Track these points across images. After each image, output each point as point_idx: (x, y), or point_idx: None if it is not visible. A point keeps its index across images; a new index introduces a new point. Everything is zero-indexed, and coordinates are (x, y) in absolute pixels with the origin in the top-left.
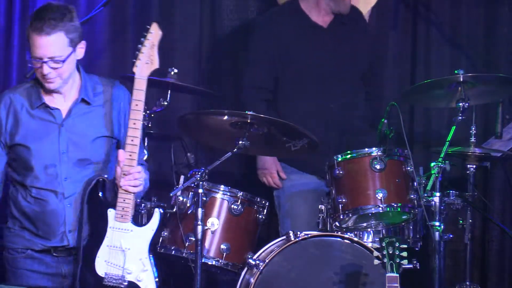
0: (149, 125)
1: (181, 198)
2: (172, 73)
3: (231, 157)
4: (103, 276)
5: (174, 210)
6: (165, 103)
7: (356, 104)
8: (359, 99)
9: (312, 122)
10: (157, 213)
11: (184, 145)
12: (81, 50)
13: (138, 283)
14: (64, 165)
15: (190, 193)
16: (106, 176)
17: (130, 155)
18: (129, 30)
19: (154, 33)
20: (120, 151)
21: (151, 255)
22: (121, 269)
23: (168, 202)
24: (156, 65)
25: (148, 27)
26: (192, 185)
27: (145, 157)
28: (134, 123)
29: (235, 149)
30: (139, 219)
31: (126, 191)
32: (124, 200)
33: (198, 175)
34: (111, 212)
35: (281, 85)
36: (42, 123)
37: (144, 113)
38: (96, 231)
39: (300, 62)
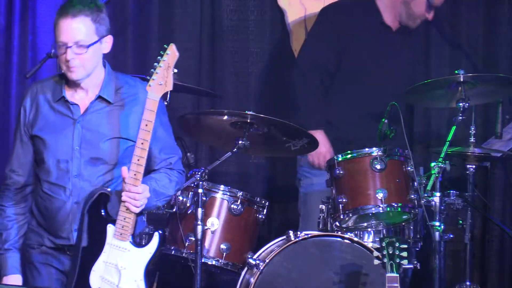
0: None
1: (181, 198)
2: (172, 73)
3: (231, 157)
4: None
5: (174, 210)
6: (165, 103)
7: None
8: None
9: (351, 116)
10: (156, 237)
11: (184, 145)
12: (107, 45)
13: None
14: (76, 162)
15: (190, 193)
16: (109, 189)
17: (135, 175)
18: (129, 30)
19: (171, 54)
20: (124, 168)
21: (146, 278)
22: (115, 287)
23: (168, 202)
24: (169, 87)
25: (166, 46)
26: (192, 185)
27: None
28: (142, 143)
29: (235, 149)
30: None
31: (127, 209)
32: (124, 219)
33: (198, 175)
34: (110, 228)
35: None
36: (60, 117)
37: None
38: (94, 245)
39: (359, 56)
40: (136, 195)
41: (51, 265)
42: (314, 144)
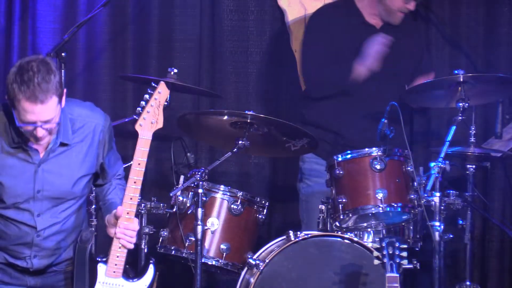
0: None
1: (181, 198)
2: (172, 73)
3: (231, 157)
4: None
5: (174, 210)
6: (165, 103)
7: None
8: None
9: (344, 117)
10: (151, 269)
11: (184, 145)
12: (64, 98)
13: None
14: (38, 203)
15: (190, 193)
16: (93, 229)
17: (128, 213)
18: (129, 30)
19: (162, 93)
20: (120, 208)
21: None
22: None
23: (168, 202)
24: (160, 125)
25: (155, 85)
26: (192, 185)
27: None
28: (135, 182)
29: (235, 149)
30: (138, 219)
31: (123, 246)
32: (118, 257)
33: (198, 175)
34: (101, 267)
35: None
36: (18, 162)
37: None
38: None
39: (346, 57)
40: (133, 233)
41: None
42: (314, 144)
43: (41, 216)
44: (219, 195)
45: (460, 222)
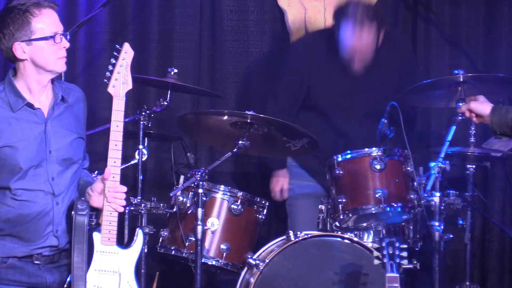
0: (149, 125)
1: (181, 198)
2: (172, 73)
3: (231, 157)
4: None
5: (174, 210)
6: (165, 103)
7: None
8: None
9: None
10: (140, 234)
11: (184, 145)
12: None
13: None
14: (51, 165)
15: (190, 193)
16: (83, 198)
17: (113, 177)
18: (129, 30)
19: (128, 53)
20: (107, 169)
21: (136, 278)
22: None
23: (168, 202)
24: (130, 86)
25: (119, 47)
26: (192, 185)
27: (144, 158)
28: (116, 145)
29: (235, 149)
30: (139, 219)
31: (115, 210)
32: (110, 223)
33: (198, 175)
34: (96, 236)
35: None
36: (26, 124)
37: (144, 113)
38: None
39: (324, 88)
40: (123, 195)
41: (15, 281)
42: (314, 144)
43: (55, 180)
44: (219, 195)
45: (460, 222)
